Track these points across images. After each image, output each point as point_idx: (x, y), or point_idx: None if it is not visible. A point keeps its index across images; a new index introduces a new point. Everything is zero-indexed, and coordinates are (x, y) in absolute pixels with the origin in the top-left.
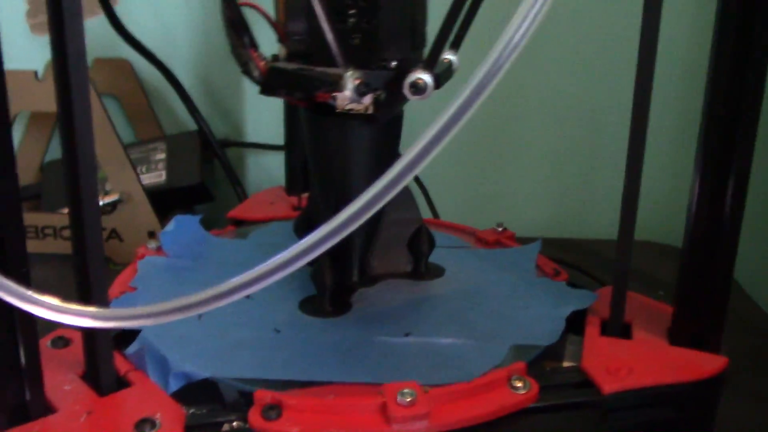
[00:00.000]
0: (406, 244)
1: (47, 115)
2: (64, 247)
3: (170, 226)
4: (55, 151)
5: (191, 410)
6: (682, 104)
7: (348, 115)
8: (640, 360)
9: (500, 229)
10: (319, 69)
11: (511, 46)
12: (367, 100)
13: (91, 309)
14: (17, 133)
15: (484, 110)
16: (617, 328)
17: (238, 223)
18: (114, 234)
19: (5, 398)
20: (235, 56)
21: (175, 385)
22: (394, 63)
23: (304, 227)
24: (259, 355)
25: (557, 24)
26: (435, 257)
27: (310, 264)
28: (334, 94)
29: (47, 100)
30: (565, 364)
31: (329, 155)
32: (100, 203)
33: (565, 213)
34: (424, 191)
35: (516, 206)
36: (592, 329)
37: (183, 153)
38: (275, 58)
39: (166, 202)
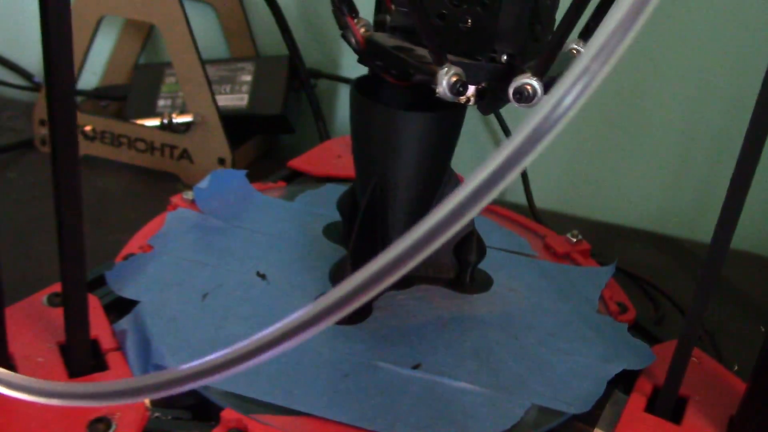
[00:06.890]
0: (452, 248)
1: (140, 23)
2: (135, 158)
3: (205, 182)
4: (148, 55)
5: (156, 414)
6: None
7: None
8: None
9: (574, 239)
10: (418, 52)
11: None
12: (470, 91)
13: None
14: (110, 37)
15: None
16: (668, 406)
17: (295, 175)
18: (185, 154)
19: None
20: (335, 17)
21: None
22: (504, 56)
23: (348, 205)
24: None
25: None
26: (490, 261)
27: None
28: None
29: (132, 7)
30: None
31: (371, 138)
32: (174, 121)
33: (681, 208)
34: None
35: (623, 194)
36: (636, 399)
37: (269, 79)
38: (379, 24)
39: (244, 127)
